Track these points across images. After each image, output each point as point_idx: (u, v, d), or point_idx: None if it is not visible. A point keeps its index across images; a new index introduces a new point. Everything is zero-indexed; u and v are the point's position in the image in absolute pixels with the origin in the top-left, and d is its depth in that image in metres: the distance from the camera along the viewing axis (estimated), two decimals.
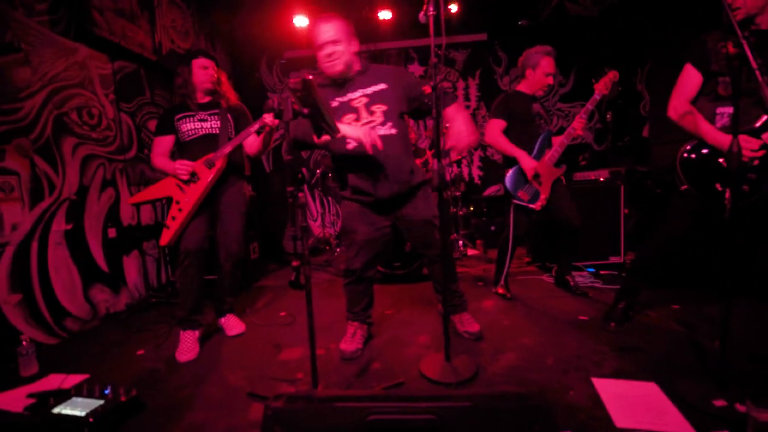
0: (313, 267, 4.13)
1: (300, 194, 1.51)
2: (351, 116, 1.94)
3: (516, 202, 2.68)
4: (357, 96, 1.95)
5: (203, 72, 2.36)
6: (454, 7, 4.64)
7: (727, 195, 1.45)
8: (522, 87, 2.78)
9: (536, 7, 4.61)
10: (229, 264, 2.37)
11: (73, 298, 2.67)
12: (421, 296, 2.99)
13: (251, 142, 2.36)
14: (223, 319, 2.51)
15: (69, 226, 2.69)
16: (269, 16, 4.81)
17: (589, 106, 2.58)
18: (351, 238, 2.11)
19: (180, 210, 2.22)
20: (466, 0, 4.70)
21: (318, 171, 4.73)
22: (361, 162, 1.94)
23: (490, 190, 5.25)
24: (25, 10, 2.52)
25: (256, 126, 2.17)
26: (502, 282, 2.88)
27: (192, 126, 2.33)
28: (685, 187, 1.87)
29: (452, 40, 1.57)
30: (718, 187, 1.79)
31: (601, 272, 3.31)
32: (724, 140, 1.72)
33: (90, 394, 1.52)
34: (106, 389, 1.55)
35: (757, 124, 1.72)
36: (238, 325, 2.49)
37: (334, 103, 1.96)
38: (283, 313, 2.79)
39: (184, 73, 2.35)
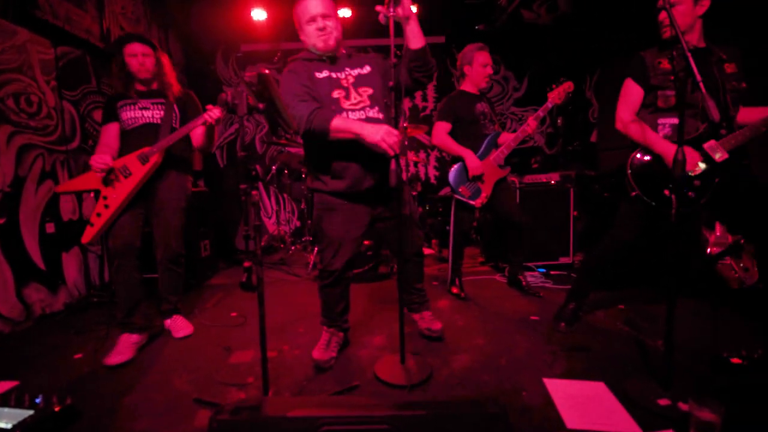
0: (267, 265, 4.06)
1: (254, 192, 1.49)
2: (340, 93, 1.84)
3: (457, 197, 2.81)
4: (344, 75, 1.86)
5: (133, 60, 2.21)
6: (413, 9, 4.69)
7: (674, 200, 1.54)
8: (465, 86, 2.88)
9: (493, 14, 4.77)
10: (166, 261, 2.28)
11: (4, 298, 2.49)
12: (376, 296, 3.02)
13: (197, 136, 2.29)
14: (169, 321, 2.41)
15: (1, 221, 2.51)
16: (226, 8, 4.68)
17: (541, 113, 2.68)
18: (329, 237, 1.96)
19: (106, 206, 2.09)
20: (424, 3, 4.78)
21: (273, 167, 4.64)
22: (348, 148, 1.80)
23: (446, 190, 5.38)
24: None
25: (199, 122, 2.11)
26: (456, 282, 2.97)
27: (132, 114, 2.22)
28: (635, 193, 1.96)
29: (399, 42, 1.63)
30: (666, 192, 1.89)
31: (552, 272, 3.47)
32: (669, 149, 1.82)
33: (19, 404, 1.43)
34: (37, 398, 1.46)
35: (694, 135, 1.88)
36: (186, 327, 2.40)
37: (322, 75, 1.84)
38: (234, 314, 2.72)
39: (118, 61, 2.23)
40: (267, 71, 1.55)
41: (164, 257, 2.27)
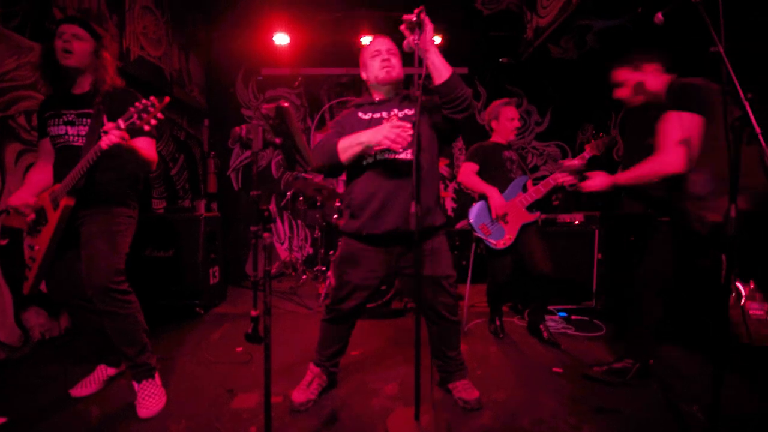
0: (277, 295, 3.94)
1: (266, 234, 1.37)
2: None
3: (476, 235, 2.73)
4: (389, 115, 1.83)
5: (58, 43, 1.76)
6: (437, 39, 4.71)
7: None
8: (495, 138, 2.91)
9: (518, 47, 4.73)
10: (96, 302, 1.78)
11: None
12: (392, 335, 2.87)
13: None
14: (136, 385, 1.86)
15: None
16: (249, 31, 4.73)
17: (577, 162, 2.56)
18: (344, 279, 1.91)
19: (33, 259, 1.82)
20: (448, 33, 4.78)
21: (288, 193, 4.58)
22: (372, 180, 1.77)
23: (463, 223, 5.24)
24: None
25: (89, 156, 1.64)
26: (496, 323, 2.92)
27: (56, 131, 1.82)
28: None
29: (412, 71, 1.59)
30: None
31: (573, 317, 3.27)
32: None
33: None
34: None
35: None
36: (154, 400, 1.82)
37: (366, 116, 1.85)
38: (239, 349, 2.58)
39: (44, 46, 1.81)
40: (286, 104, 1.47)
41: (93, 297, 1.78)
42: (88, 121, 1.80)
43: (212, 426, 1.74)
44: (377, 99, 1.91)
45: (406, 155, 1.75)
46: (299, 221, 5.29)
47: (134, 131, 1.64)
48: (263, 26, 4.56)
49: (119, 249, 1.84)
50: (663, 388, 2.10)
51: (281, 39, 4.57)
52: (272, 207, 5.33)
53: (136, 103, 1.57)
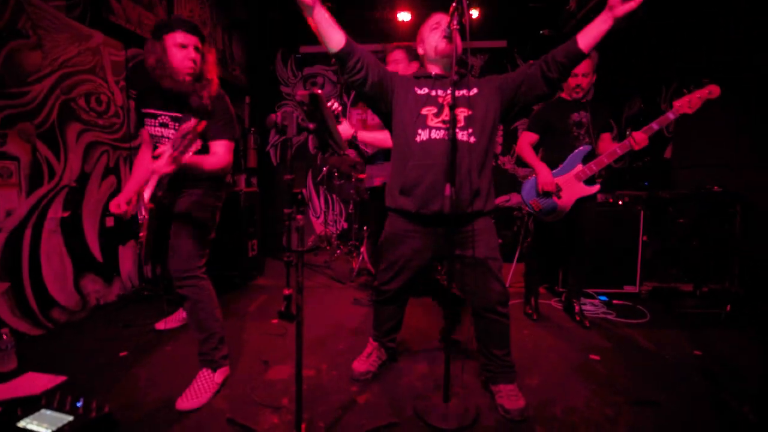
0: (311, 268, 4.08)
1: (299, 216, 1.42)
2: (431, 109, 1.75)
3: (526, 209, 2.68)
4: (445, 93, 1.76)
5: (181, 53, 1.78)
6: (474, 13, 4.54)
7: None
8: (563, 93, 2.72)
9: (559, 18, 4.47)
10: (175, 283, 1.89)
11: (62, 287, 2.62)
12: (422, 313, 2.87)
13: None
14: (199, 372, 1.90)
15: (66, 214, 2.64)
16: (288, 10, 4.74)
17: (655, 125, 2.31)
18: (390, 259, 1.91)
19: (140, 243, 1.89)
20: (487, 6, 4.60)
21: (324, 168, 4.67)
22: (425, 158, 1.71)
23: (498, 200, 5.14)
24: None
25: (154, 179, 1.68)
26: (531, 303, 2.89)
27: (153, 131, 1.93)
28: None
29: (470, 45, 1.52)
30: None
31: (614, 302, 3.14)
32: None
33: (60, 407, 1.46)
34: (78, 401, 1.48)
35: None
36: (195, 395, 1.79)
37: (421, 91, 1.77)
38: (275, 321, 2.69)
39: (157, 51, 1.77)
40: (319, 91, 1.49)
41: (173, 279, 1.91)
42: (177, 126, 1.84)
43: (248, 395, 1.84)
44: (433, 73, 1.82)
45: (462, 135, 1.70)
46: (334, 196, 5.39)
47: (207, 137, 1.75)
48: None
49: (198, 237, 1.91)
50: (712, 383, 1.98)
51: None
52: (309, 182, 5.46)
53: (180, 128, 1.51)
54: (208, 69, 1.88)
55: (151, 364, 2.11)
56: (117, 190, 3.06)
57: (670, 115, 2.27)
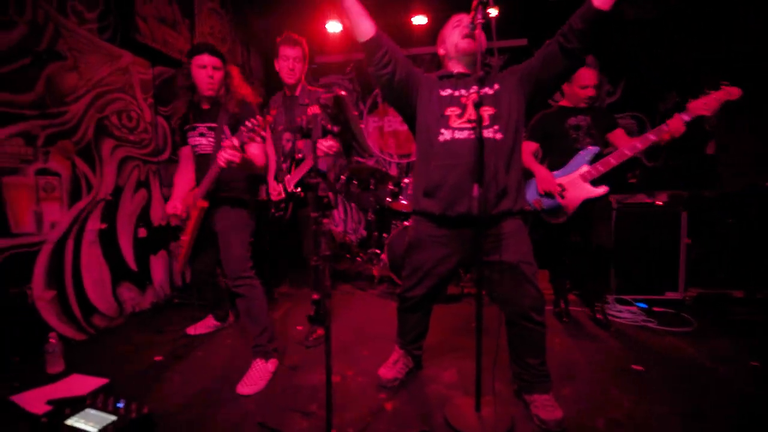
0: (332, 276, 4.14)
1: (325, 220, 1.46)
2: (454, 110, 1.72)
3: (528, 208, 2.65)
4: (468, 93, 1.72)
5: (201, 72, 2.07)
6: (493, 11, 4.52)
7: None
8: (564, 102, 2.73)
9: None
10: (230, 284, 2.14)
11: (102, 295, 2.76)
12: (446, 320, 2.83)
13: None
14: (252, 361, 2.11)
15: (103, 226, 2.79)
16: (303, 21, 4.86)
17: (664, 128, 2.23)
18: (413, 265, 1.88)
19: (181, 246, 2.28)
20: (505, 3, 4.57)
21: (342, 176, 4.72)
22: (449, 158, 1.67)
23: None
24: (77, 19, 2.64)
25: (213, 174, 2.02)
26: (561, 306, 2.88)
27: (194, 141, 2.21)
28: None
29: (489, 45, 1.51)
30: None
31: (655, 309, 2.96)
32: None
33: (104, 407, 1.55)
34: (120, 402, 1.57)
35: None
36: (253, 381, 1.99)
37: (445, 93, 1.75)
38: (300, 327, 2.73)
39: (185, 72, 2.11)
40: (344, 92, 1.54)
41: (228, 281, 2.16)
42: (213, 134, 2.14)
43: (277, 399, 1.88)
44: (455, 72, 1.80)
45: (488, 133, 1.66)
46: (353, 204, 5.45)
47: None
48: (316, 15, 4.68)
49: (246, 240, 2.19)
50: None
51: (333, 27, 4.67)
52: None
53: (247, 122, 1.82)
54: (234, 84, 2.16)
55: (184, 369, 2.20)
56: (148, 203, 3.20)
57: (685, 117, 2.20)
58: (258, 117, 1.82)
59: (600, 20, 1.50)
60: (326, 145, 2.05)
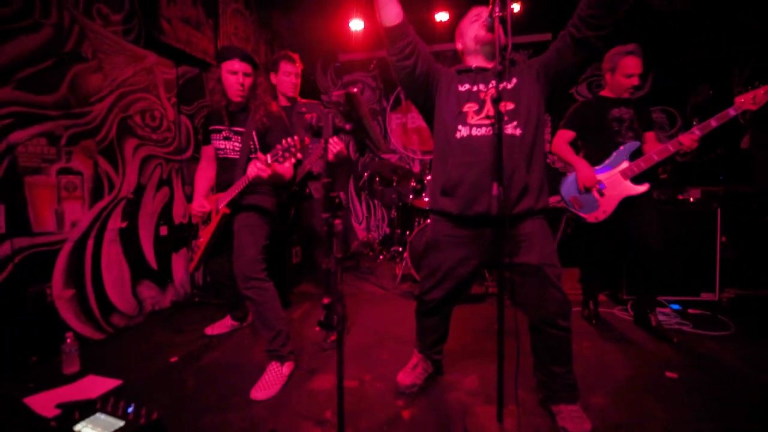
0: (354, 274, 4.07)
1: (337, 221, 1.39)
2: (472, 106, 1.65)
3: (562, 205, 2.59)
4: (487, 88, 1.66)
5: (231, 78, 2.06)
6: (516, 7, 4.37)
7: None
8: (605, 92, 2.58)
9: None
10: (240, 285, 2.03)
11: (121, 294, 2.77)
12: (468, 322, 2.74)
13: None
14: (267, 365, 2.05)
15: (124, 224, 2.80)
16: (326, 20, 4.85)
17: (714, 121, 2.17)
18: (431, 266, 1.81)
19: (198, 246, 2.31)
20: None
21: (366, 174, 4.67)
22: (467, 155, 1.61)
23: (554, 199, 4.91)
24: (103, 21, 2.67)
25: (240, 185, 2.02)
26: (590, 307, 2.76)
27: (218, 144, 2.20)
28: None
29: (514, 40, 1.43)
30: None
31: (689, 311, 2.83)
32: None
33: (114, 411, 1.51)
34: (129, 407, 1.53)
35: None
36: (267, 385, 1.93)
37: (463, 88, 1.69)
38: (318, 328, 2.69)
39: (215, 76, 2.11)
40: (355, 89, 1.46)
41: (237, 282, 2.05)
42: (240, 139, 2.14)
43: (290, 405, 1.82)
44: (474, 66, 1.73)
45: (507, 129, 1.58)
46: (376, 201, 5.38)
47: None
48: (339, 14, 4.65)
49: (260, 241, 2.11)
50: None
51: (356, 25, 4.64)
52: (350, 188, 5.50)
53: (283, 141, 1.81)
54: (260, 92, 2.15)
55: (199, 371, 2.16)
56: (170, 201, 3.21)
57: (731, 112, 2.14)
58: (295, 137, 1.81)
59: (605, 5, 1.43)
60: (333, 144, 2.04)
